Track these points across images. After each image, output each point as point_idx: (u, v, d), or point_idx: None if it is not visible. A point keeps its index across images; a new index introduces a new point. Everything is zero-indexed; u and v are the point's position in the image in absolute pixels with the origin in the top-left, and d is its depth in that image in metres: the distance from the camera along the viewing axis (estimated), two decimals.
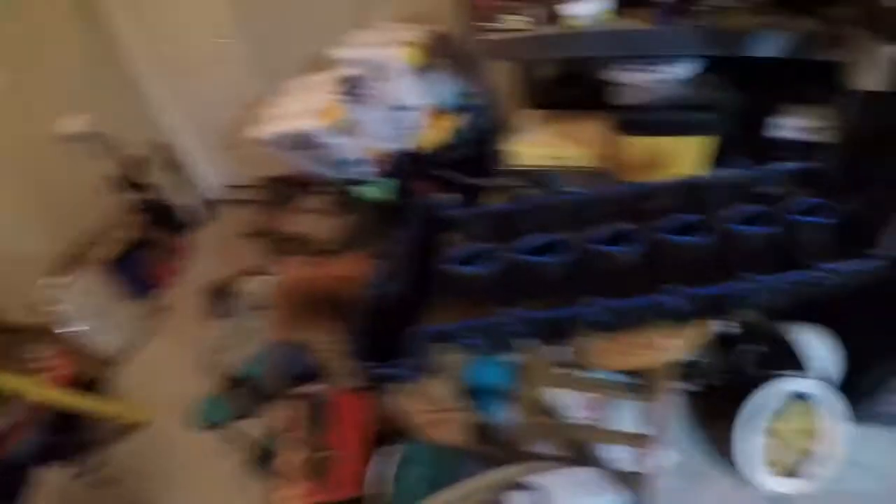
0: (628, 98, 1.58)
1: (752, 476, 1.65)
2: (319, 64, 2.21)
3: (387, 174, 2.07)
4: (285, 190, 2.53)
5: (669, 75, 1.56)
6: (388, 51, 1.99)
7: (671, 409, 1.38)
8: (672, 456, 1.67)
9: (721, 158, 1.62)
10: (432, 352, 1.07)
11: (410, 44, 2.00)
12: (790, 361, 1.69)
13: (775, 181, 1.29)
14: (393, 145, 2.08)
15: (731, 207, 1.22)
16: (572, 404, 1.82)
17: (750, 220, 1.14)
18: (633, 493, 1.62)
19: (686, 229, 1.13)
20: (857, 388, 1.73)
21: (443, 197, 2.12)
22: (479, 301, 1.12)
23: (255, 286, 2.25)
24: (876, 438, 1.76)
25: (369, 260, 1.72)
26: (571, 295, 1.09)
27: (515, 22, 1.52)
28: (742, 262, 1.12)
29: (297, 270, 1.78)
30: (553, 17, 1.51)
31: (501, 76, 2.11)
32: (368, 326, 1.09)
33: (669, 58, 1.56)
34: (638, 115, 1.57)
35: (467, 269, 1.10)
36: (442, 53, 2.10)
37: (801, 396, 1.65)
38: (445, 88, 2.13)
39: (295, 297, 1.74)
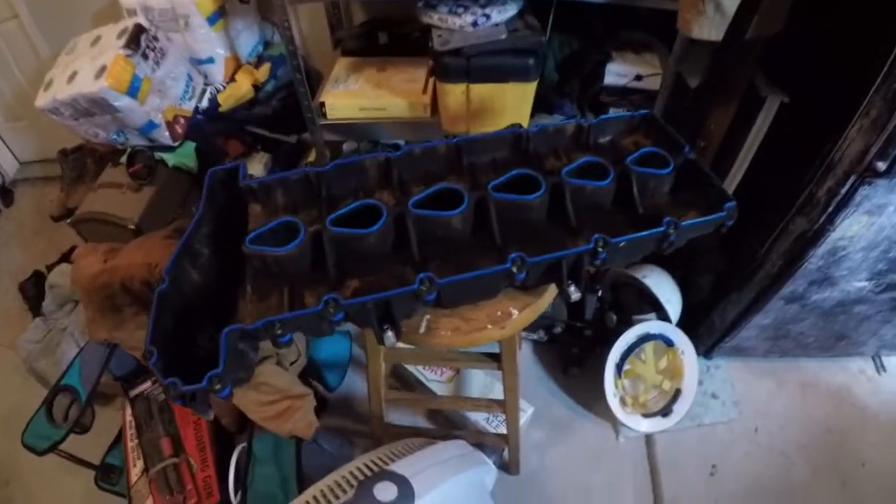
0: (447, 43, 1.44)
1: (616, 419, 1.68)
2: (107, 15, 1.88)
3: (186, 137, 1.75)
4: (81, 163, 2.10)
5: (489, 19, 1.44)
6: None
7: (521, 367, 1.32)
8: (529, 412, 1.66)
9: (546, 105, 1.57)
10: (245, 354, 0.86)
11: None
12: (642, 305, 1.73)
13: (609, 130, 1.22)
14: (190, 104, 1.77)
15: (569, 159, 1.14)
16: (429, 374, 1.75)
17: (587, 172, 1.06)
18: (501, 456, 1.59)
19: (521, 185, 1.02)
20: (700, 325, 1.83)
21: (244, 159, 1.89)
22: (290, 285, 0.93)
23: (59, 279, 1.89)
24: (725, 370, 1.90)
25: (170, 242, 1.46)
26: (397, 270, 0.95)
27: None
28: (587, 218, 1.04)
29: (92, 259, 1.45)
30: None
31: (309, 20, 1.88)
32: (166, 330, 0.86)
33: (489, 0, 1.45)
34: (458, 60, 1.43)
35: (270, 249, 0.91)
36: None
37: (655, 338, 1.69)
38: (245, 37, 1.85)
39: (95, 290, 1.43)
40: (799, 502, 1.66)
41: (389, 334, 0.88)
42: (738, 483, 1.68)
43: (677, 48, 1.47)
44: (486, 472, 1.29)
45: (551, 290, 1.03)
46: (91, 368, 1.54)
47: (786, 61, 1.46)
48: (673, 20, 1.39)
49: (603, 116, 1.19)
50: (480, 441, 1.53)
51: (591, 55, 1.57)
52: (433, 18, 1.46)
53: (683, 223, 0.97)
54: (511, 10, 1.47)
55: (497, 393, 1.69)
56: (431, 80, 1.68)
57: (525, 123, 1.57)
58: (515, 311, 0.98)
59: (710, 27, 1.36)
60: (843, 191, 1.31)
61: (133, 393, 1.64)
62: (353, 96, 1.66)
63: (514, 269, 0.89)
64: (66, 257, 2.09)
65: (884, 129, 1.19)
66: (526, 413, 1.67)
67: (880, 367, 1.96)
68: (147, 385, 1.65)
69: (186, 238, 0.97)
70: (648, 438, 1.75)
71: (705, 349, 1.86)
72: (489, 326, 0.96)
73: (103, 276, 1.38)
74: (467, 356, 1.33)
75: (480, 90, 1.47)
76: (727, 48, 1.40)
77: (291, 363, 1.54)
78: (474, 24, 1.45)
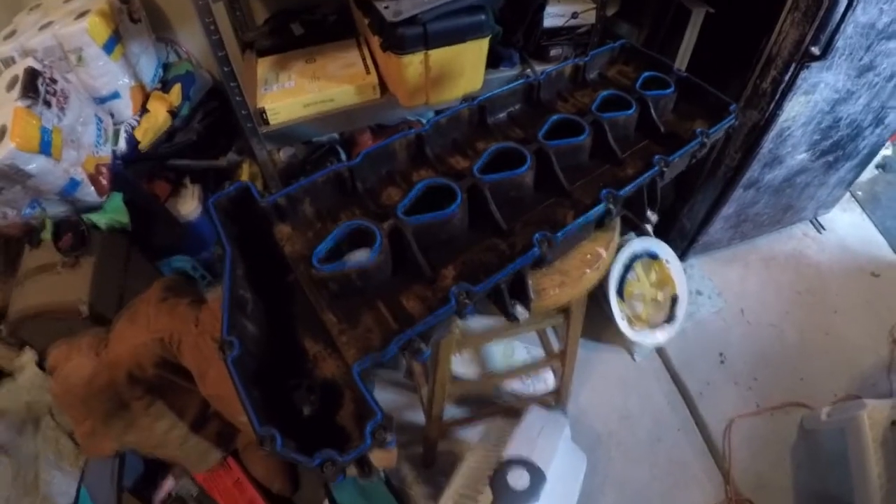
0: (399, 13, 1.36)
1: (628, 341, 1.74)
2: None
3: (111, 188, 1.51)
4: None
5: None
6: (66, 29, 1.46)
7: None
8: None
9: (493, 59, 1.55)
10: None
11: (89, 13, 1.48)
12: (626, 224, 1.79)
13: (596, 64, 1.24)
14: (106, 149, 1.53)
15: (573, 98, 1.15)
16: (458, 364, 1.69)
17: (604, 108, 1.07)
18: (562, 405, 1.59)
19: (562, 130, 1.00)
20: (672, 231, 1.94)
21: (173, 199, 1.65)
22: (381, 296, 0.84)
23: (6, 402, 1.49)
24: (699, 268, 2.05)
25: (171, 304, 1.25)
26: (486, 242, 0.90)
27: None
28: (626, 147, 1.06)
29: (80, 359, 1.19)
30: None
31: (215, 24, 1.69)
32: (264, 403, 0.70)
33: None
34: (414, 28, 1.36)
35: (352, 264, 0.81)
36: (130, 18, 1.59)
37: (641, 256, 1.76)
38: (145, 61, 1.64)
39: (96, 395, 1.20)
40: (798, 360, 1.85)
41: (519, 308, 0.83)
42: (746, 362, 1.84)
43: None
44: (566, 428, 1.29)
45: (617, 224, 1.04)
46: (104, 493, 1.30)
47: None
48: None
49: (592, 52, 1.21)
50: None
51: (529, 2, 1.57)
52: None
53: (711, 131, 1.02)
54: None
55: (520, 353, 1.69)
56: (371, 59, 1.59)
57: (481, 82, 1.55)
58: (602, 251, 0.97)
59: None
60: (787, 78, 1.43)
61: (159, 499, 1.42)
62: (293, 94, 1.53)
63: (611, 206, 0.88)
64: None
65: (815, 18, 1.31)
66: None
67: (819, 227, 2.21)
68: (170, 483, 1.44)
69: (229, 288, 0.81)
70: (659, 350, 1.84)
71: (680, 253, 1.97)
72: (587, 271, 0.94)
73: (104, 374, 1.15)
74: (533, 318, 1.29)
75: (440, 55, 1.41)
76: None
77: None
78: None
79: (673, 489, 1.59)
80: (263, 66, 1.64)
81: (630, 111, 1.05)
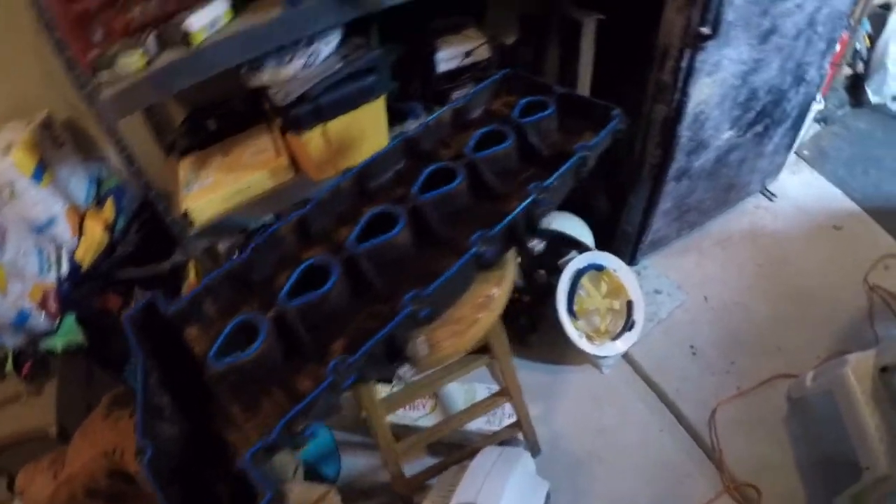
0: (289, 95, 1.42)
1: (592, 357, 1.74)
2: None
3: (62, 311, 1.57)
4: None
5: (318, 56, 1.43)
6: None
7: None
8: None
9: (397, 114, 1.59)
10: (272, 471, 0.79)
11: (13, 147, 1.53)
12: (560, 249, 1.80)
13: (478, 102, 1.27)
14: (51, 275, 1.59)
15: (458, 143, 1.17)
16: (414, 414, 1.70)
17: (484, 145, 1.09)
18: (524, 439, 1.58)
19: (437, 179, 1.03)
20: (615, 240, 1.94)
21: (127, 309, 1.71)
22: (276, 382, 0.87)
23: None
24: (653, 267, 2.04)
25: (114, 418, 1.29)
26: (371, 309, 0.93)
27: (128, 63, 1.20)
28: (507, 180, 1.08)
29: (41, 479, 1.25)
30: (168, 42, 1.24)
31: (135, 135, 1.76)
32: (179, 499, 0.76)
33: (311, 37, 1.44)
34: (305, 107, 1.41)
35: (243, 356, 0.84)
36: (54, 143, 1.66)
37: (586, 270, 1.76)
38: (75, 182, 1.70)
39: None
40: (772, 333, 1.84)
41: (405, 368, 0.85)
42: (718, 347, 1.82)
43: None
44: (525, 460, 1.29)
45: (511, 258, 1.05)
46: None
47: None
48: None
49: (471, 92, 1.24)
50: (495, 442, 1.53)
51: (419, 52, 1.61)
52: (263, 79, 1.42)
53: (591, 143, 1.04)
54: (335, 39, 1.46)
55: (482, 393, 1.69)
56: (281, 140, 1.64)
57: (385, 140, 1.58)
58: (495, 290, 0.99)
59: None
60: (684, 65, 1.45)
61: None
62: (211, 191, 1.57)
63: (482, 249, 0.90)
64: None
65: (692, 6, 1.33)
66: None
67: (771, 196, 2.21)
68: None
69: (143, 396, 0.87)
70: (627, 357, 1.83)
71: (629, 258, 1.98)
72: (480, 315, 0.96)
73: (63, 491, 1.20)
74: (459, 364, 1.32)
75: (337, 125, 1.46)
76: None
77: (294, 473, 1.44)
78: (306, 66, 1.43)
79: (666, 491, 1.57)
80: (184, 166, 1.69)
81: (506, 144, 1.07)
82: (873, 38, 2.43)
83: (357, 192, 1.12)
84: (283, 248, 1.05)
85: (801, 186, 2.25)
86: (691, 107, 1.55)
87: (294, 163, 1.60)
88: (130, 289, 1.80)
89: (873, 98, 2.50)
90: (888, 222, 2.14)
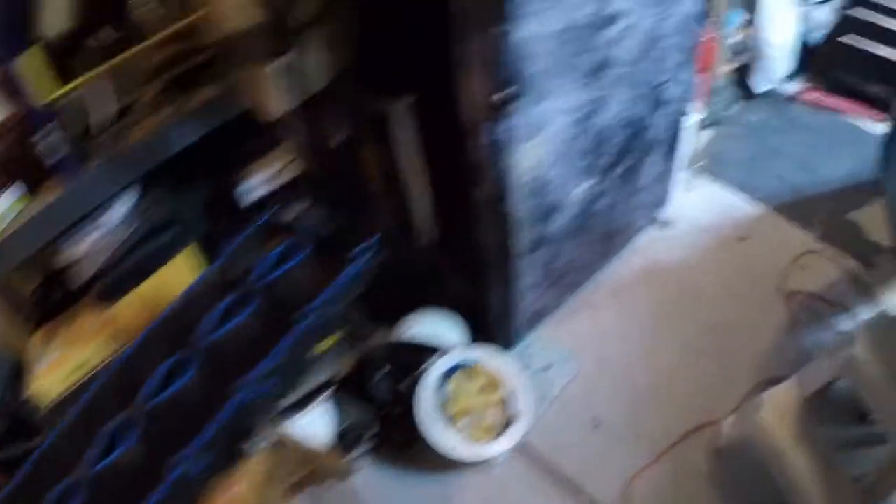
0: (86, 273, 1.38)
1: (474, 459, 1.61)
2: None
3: None
4: None
5: (106, 226, 1.40)
6: None
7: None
8: None
9: (212, 254, 1.54)
10: None
11: None
12: (423, 354, 1.69)
13: (243, 255, 1.21)
14: None
15: (202, 319, 1.11)
16: None
17: (230, 314, 1.03)
18: None
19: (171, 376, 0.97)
20: (491, 325, 1.78)
21: None
22: None
23: None
24: (540, 339, 1.87)
25: None
26: None
27: None
28: (247, 354, 1.01)
29: None
30: None
31: None
32: None
33: (102, 205, 1.40)
34: (107, 279, 1.37)
35: None
36: None
37: (451, 372, 1.66)
38: None
39: None
40: (684, 380, 1.70)
41: None
42: (623, 413, 1.68)
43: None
44: None
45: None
46: None
47: (383, 69, 1.44)
48: None
49: (227, 251, 1.18)
50: None
51: (222, 189, 1.56)
52: (59, 263, 1.40)
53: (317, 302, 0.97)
54: (126, 203, 1.43)
55: None
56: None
57: None
58: (239, 485, 0.93)
59: (286, 95, 1.36)
60: (489, 140, 1.30)
61: None
62: (56, 368, 1.53)
63: (187, 470, 0.84)
64: None
65: (490, 65, 1.17)
66: None
67: (662, 224, 2.08)
68: None
69: None
70: (520, 450, 1.66)
71: (511, 339, 1.83)
72: None
73: None
74: None
75: (146, 288, 1.41)
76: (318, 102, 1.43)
77: None
78: (103, 236, 1.40)
79: None
80: (35, 341, 1.66)
81: (240, 317, 1.01)
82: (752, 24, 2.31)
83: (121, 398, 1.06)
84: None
85: (699, 203, 2.12)
86: (519, 178, 1.43)
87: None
88: None
89: (763, 86, 2.39)
90: (798, 215, 2.03)
